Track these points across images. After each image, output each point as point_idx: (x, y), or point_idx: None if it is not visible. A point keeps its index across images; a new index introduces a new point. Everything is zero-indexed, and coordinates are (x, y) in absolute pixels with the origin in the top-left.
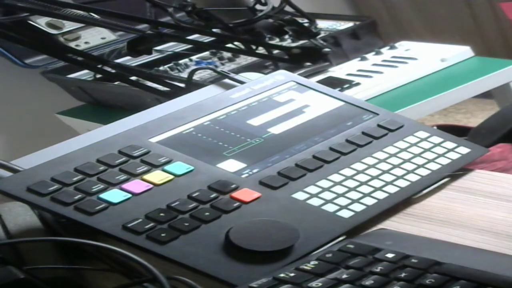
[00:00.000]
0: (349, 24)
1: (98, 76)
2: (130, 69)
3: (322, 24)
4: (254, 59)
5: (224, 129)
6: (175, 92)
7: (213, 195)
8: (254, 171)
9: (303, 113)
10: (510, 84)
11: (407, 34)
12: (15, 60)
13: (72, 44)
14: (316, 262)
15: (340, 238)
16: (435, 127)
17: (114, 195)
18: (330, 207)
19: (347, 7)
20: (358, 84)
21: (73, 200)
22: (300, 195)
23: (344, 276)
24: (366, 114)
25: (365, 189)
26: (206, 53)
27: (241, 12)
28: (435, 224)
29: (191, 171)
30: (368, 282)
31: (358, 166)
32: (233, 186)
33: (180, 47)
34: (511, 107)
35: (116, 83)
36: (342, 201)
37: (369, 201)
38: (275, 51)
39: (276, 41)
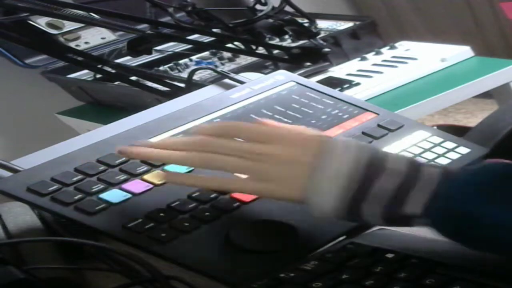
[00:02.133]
0: (349, 24)
1: (98, 76)
2: (130, 69)
3: (322, 24)
4: (254, 59)
5: None
6: (175, 92)
7: (213, 195)
8: None
9: (303, 113)
10: (510, 84)
11: (407, 34)
12: (15, 60)
13: (72, 44)
14: (316, 262)
15: (340, 238)
16: (435, 127)
17: (114, 195)
18: None
19: (347, 7)
20: (358, 84)
21: (73, 200)
22: None
23: (344, 276)
24: (366, 114)
25: None
26: (206, 53)
27: (241, 12)
28: None
29: (191, 171)
30: (368, 282)
31: None
32: None
33: (180, 47)
34: (493, 117)
35: (116, 83)
36: None
37: None
38: (275, 51)
39: (276, 41)
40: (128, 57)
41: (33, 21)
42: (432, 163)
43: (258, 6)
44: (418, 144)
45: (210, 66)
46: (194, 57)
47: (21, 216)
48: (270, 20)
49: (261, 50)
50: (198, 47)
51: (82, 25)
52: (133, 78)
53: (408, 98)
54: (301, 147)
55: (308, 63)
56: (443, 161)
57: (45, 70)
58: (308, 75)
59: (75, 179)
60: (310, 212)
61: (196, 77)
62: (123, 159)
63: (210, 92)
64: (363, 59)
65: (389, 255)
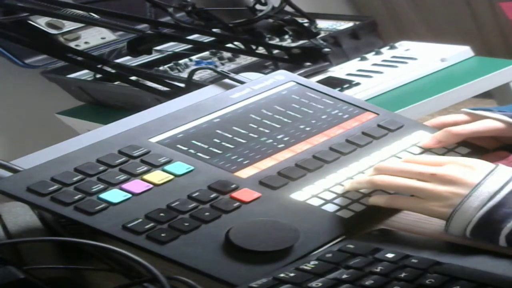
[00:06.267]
0: (349, 24)
1: (98, 76)
2: (130, 69)
3: (322, 24)
4: (254, 59)
5: (224, 129)
6: (175, 92)
7: (213, 195)
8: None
9: (303, 113)
10: (510, 84)
11: (407, 34)
12: (15, 60)
13: (72, 44)
14: (316, 262)
15: (340, 238)
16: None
17: (114, 195)
18: (330, 207)
19: (347, 7)
20: (358, 84)
21: (73, 200)
22: (300, 195)
23: (344, 276)
24: (366, 114)
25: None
26: (206, 53)
27: (241, 12)
28: (435, 224)
29: (191, 171)
30: (368, 282)
31: (358, 166)
32: (233, 186)
33: (180, 47)
34: None
35: (116, 83)
36: (342, 201)
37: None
38: (275, 51)
39: (276, 41)
40: (128, 57)
41: (33, 21)
42: None
43: (258, 6)
44: (418, 144)
45: (210, 66)
46: (194, 57)
47: (21, 216)
48: (270, 20)
49: (261, 50)
50: (198, 47)
51: (82, 25)
52: (133, 78)
53: (408, 98)
54: (470, 169)
55: (308, 63)
56: None
57: (45, 70)
58: (308, 75)
59: (75, 179)
60: (445, 228)
61: (196, 77)
62: (123, 159)
63: (210, 92)
64: (363, 59)
65: (389, 255)
